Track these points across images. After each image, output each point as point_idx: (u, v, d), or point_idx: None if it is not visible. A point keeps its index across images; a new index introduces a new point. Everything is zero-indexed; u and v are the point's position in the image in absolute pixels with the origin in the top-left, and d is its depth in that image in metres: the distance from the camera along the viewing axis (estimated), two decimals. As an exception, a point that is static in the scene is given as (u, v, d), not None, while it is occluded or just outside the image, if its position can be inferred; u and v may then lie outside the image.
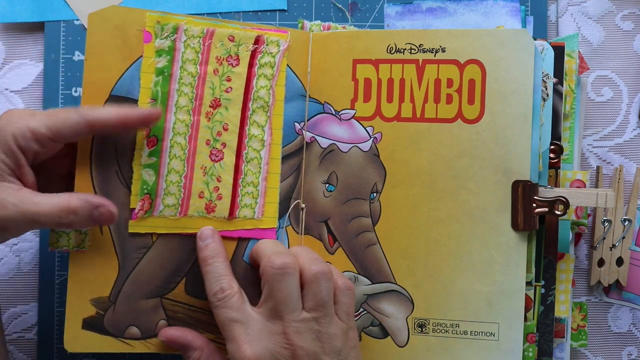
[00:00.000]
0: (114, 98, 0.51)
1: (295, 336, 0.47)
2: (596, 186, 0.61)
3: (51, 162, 0.50)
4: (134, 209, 0.52)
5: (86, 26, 0.60)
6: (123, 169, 0.52)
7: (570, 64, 0.56)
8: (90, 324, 0.52)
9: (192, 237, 0.53)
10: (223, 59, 0.53)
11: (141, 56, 0.52)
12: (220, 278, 0.49)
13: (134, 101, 0.52)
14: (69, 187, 0.51)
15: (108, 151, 0.52)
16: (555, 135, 0.55)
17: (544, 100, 0.54)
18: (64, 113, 0.47)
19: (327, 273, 0.49)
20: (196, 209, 0.52)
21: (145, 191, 0.51)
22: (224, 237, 0.53)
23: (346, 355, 0.49)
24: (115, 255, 0.52)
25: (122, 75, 0.52)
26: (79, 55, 0.60)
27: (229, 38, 0.53)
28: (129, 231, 0.52)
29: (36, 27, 0.61)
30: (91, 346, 0.52)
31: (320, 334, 0.48)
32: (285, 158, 0.54)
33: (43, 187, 0.49)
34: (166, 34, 0.52)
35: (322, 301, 0.48)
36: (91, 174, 0.52)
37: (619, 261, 0.60)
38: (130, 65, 0.52)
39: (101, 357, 0.60)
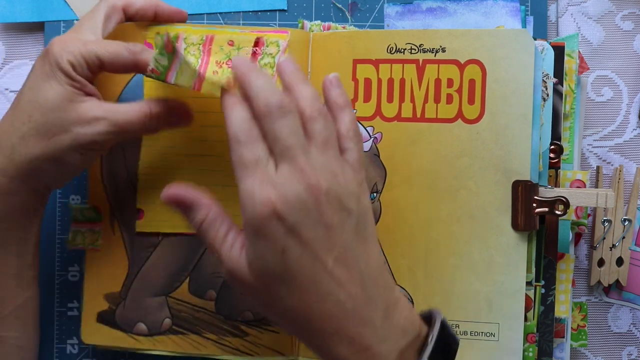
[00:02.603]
0: None
1: (314, 177, 0.42)
2: (596, 186, 0.61)
3: None
4: (141, 209, 0.54)
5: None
6: (131, 175, 0.54)
7: (570, 64, 0.56)
8: (104, 318, 0.55)
9: (195, 237, 0.53)
10: (223, 63, 0.53)
11: None
12: (252, 119, 0.43)
13: None
14: None
15: (118, 158, 0.55)
16: (555, 135, 0.55)
17: (544, 100, 0.54)
18: (115, 47, 0.48)
19: (323, 109, 0.44)
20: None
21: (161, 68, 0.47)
22: None
23: (366, 206, 0.45)
24: (125, 254, 0.55)
25: (127, 84, 0.54)
26: (79, 55, 0.60)
27: (228, 43, 0.53)
28: (136, 230, 0.54)
29: (36, 27, 0.61)
30: (104, 339, 0.55)
31: (337, 176, 0.43)
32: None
33: None
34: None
35: (325, 139, 0.43)
36: (102, 179, 0.55)
37: (619, 261, 0.60)
38: (135, 74, 0.54)
39: (101, 357, 0.60)
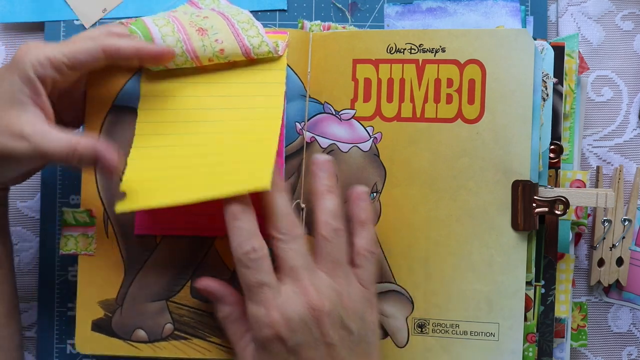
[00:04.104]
0: (116, 107, 0.53)
1: (317, 297, 0.45)
2: (596, 186, 0.61)
3: (66, 93, 0.50)
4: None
5: (86, 27, 0.60)
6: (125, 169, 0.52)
7: (570, 64, 0.56)
8: (99, 326, 0.53)
9: (196, 238, 0.53)
10: (194, 23, 0.53)
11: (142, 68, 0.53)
12: (252, 237, 0.45)
13: (135, 110, 0.53)
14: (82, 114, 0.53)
15: None
16: (555, 135, 0.55)
17: (544, 100, 0.54)
18: (80, 41, 0.48)
19: (339, 231, 0.48)
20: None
21: None
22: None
23: (370, 324, 0.48)
24: (121, 258, 0.53)
25: (123, 86, 0.53)
26: (79, 55, 0.60)
27: (188, 3, 0.54)
28: (135, 233, 0.53)
29: (36, 27, 0.61)
30: (101, 348, 0.53)
31: (341, 296, 0.47)
32: (287, 158, 0.54)
33: (58, 116, 0.50)
34: None
35: (335, 260, 0.47)
36: (96, 180, 0.53)
37: (619, 261, 0.60)
38: (132, 77, 0.53)
39: (101, 358, 0.60)
